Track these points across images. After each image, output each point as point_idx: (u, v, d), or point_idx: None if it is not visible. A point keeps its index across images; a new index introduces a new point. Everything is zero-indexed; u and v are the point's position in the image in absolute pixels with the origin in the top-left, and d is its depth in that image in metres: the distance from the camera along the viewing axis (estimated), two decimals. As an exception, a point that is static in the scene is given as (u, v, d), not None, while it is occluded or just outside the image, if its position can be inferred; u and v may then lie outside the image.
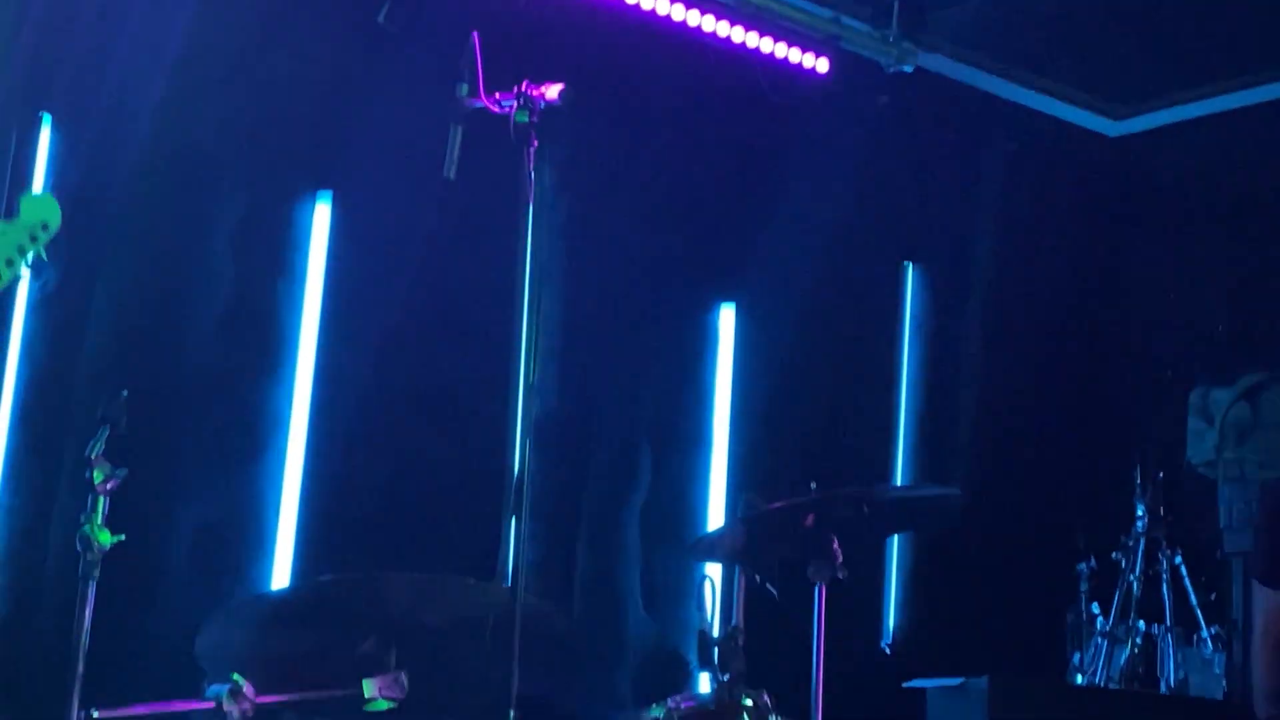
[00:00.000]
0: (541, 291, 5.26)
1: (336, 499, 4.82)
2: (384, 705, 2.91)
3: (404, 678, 2.92)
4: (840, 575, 3.60)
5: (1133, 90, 6.51)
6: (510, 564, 2.67)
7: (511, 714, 2.61)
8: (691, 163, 5.75)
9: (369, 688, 2.90)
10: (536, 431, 5.30)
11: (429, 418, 4.98)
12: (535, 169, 2.95)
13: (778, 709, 3.44)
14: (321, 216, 5.04)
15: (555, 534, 5.16)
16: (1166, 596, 6.05)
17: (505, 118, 3.00)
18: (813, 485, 3.65)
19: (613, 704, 4.80)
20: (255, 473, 4.78)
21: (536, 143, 2.96)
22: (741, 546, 3.90)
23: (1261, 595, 3.95)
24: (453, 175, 3.23)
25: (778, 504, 3.66)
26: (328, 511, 4.81)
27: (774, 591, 3.97)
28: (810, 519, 3.62)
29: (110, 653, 3.02)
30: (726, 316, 5.89)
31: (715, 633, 3.47)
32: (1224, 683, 5.75)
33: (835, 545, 3.58)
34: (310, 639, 2.96)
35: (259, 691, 2.76)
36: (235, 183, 4.84)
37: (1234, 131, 6.41)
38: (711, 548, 4.07)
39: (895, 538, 6.06)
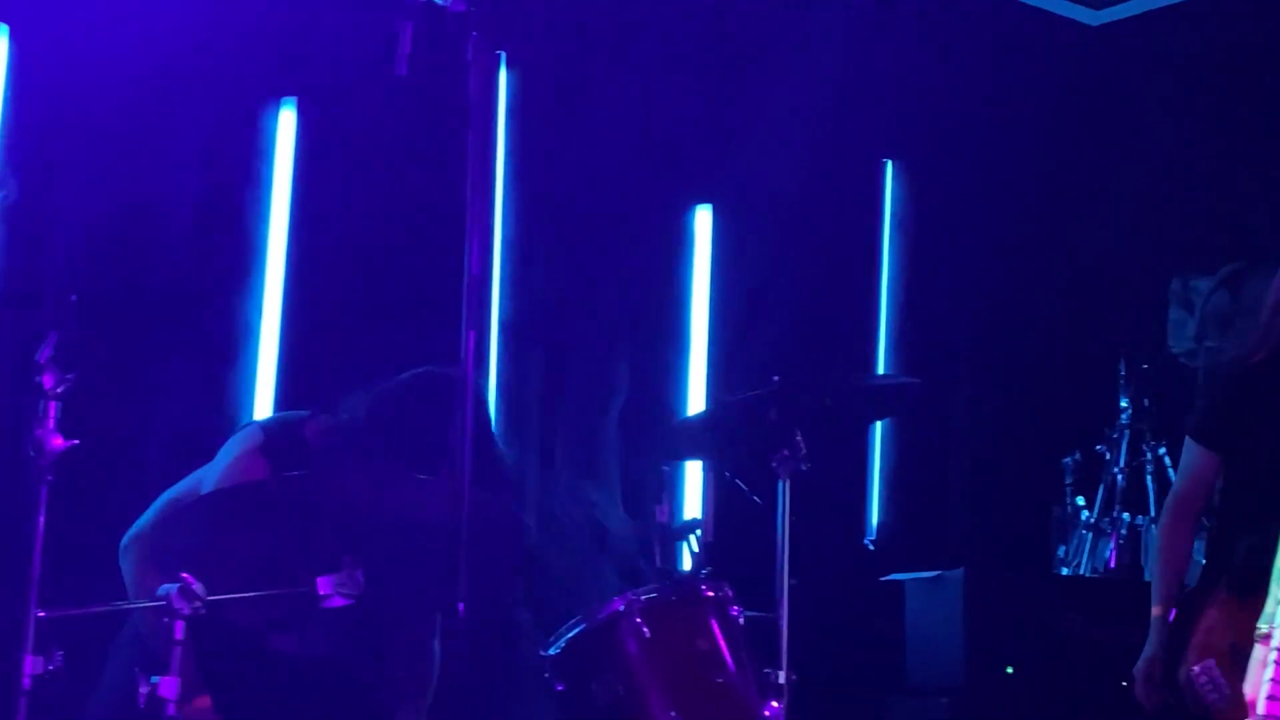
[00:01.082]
0: (519, 188, 5.28)
1: (309, 407, 4.81)
2: (340, 603, 2.91)
3: (359, 574, 2.92)
4: (804, 468, 3.59)
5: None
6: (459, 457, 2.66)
7: (460, 607, 2.61)
8: (667, 63, 5.69)
9: (323, 585, 2.90)
10: (514, 334, 5.34)
11: (400, 323, 4.96)
12: (477, 62, 2.90)
13: (745, 602, 3.44)
14: (286, 123, 5.00)
15: (534, 436, 5.16)
16: (1150, 487, 6.05)
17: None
18: (775, 378, 3.63)
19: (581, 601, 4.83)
20: (227, 380, 4.77)
21: (476, 34, 2.91)
22: (708, 441, 3.89)
23: (1191, 454, 3.94)
24: (403, 71, 3.18)
25: (738, 397, 3.65)
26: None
27: (743, 486, 3.97)
28: (773, 412, 3.61)
29: (67, 556, 3.02)
30: (703, 218, 5.85)
31: (676, 526, 3.47)
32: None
33: (798, 438, 3.57)
34: (262, 537, 2.95)
35: (210, 590, 2.76)
36: (199, 91, 4.80)
37: (1215, 19, 6.32)
38: (679, 443, 4.07)
39: (878, 433, 6.06)
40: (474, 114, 2.90)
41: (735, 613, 3.30)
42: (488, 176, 2.95)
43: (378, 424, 3.41)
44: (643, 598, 3.25)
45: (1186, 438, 3.94)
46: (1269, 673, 2.78)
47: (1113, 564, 5.96)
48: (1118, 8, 6.58)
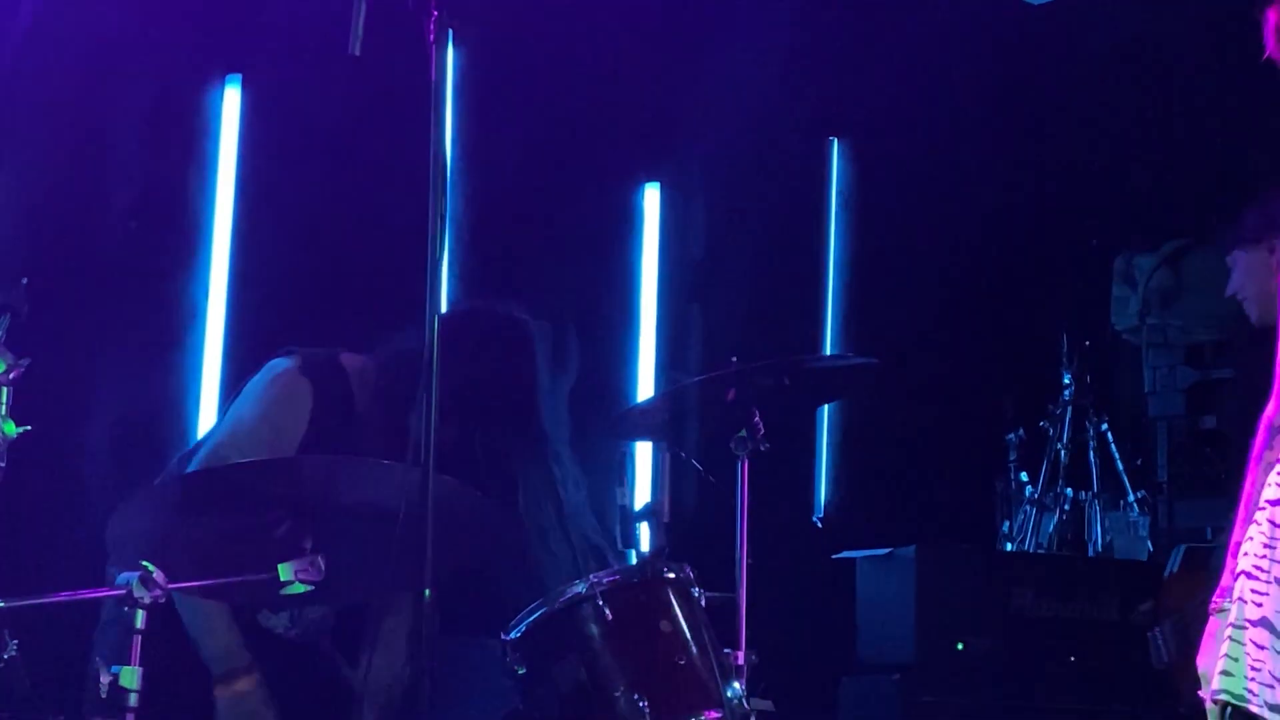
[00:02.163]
0: (466, 170, 5.24)
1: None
2: (301, 588, 2.88)
3: (321, 560, 2.89)
4: (763, 448, 3.60)
5: (1055, -42, 6.46)
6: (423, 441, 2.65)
7: (426, 593, 2.59)
8: (614, 41, 5.67)
9: (285, 571, 2.87)
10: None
11: (347, 304, 4.92)
12: (437, 41, 2.87)
13: (702, 583, 3.44)
14: (232, 101, 4.94)
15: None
16: (1093, 463, 6.12)
17: (405, -11, 2.92)
18: (733, 359, 3.63)
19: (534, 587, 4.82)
20: (173, 363, 4.72)
21: (437, 13, 2.88)
22: (665, 423, 3.89)
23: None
24: (358, 51, 3.15)
25: (698, 378, 3.64)
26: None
27: (699, 467, 3.97)
28: (731, 393, 3.61)
29: (21, 544, 2.98)
30: (651, 196, 5.84)
31: (636, 508, 3.46)
32: (1149, 545, 5.83)
33: (757, 418, 3.57)
34: (222, 523, 2.92)
35: (171, 578, 2.72)
36: (143, 68, 4.74)
37: (1155, 2, 6.37)
38: (635, 424, 4.06)
39: (825, 412, 6.07)
40: (437, 95, 2.86)
41: (697, 594, 3.29)
42: (444, 160, 2.91)
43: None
44: (605, 580, 3.24)
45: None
46: (1224, 648, 2.79)
47: (1055, 540, 6.03)
48: (1061, -14, 6.61)
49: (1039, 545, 6.01)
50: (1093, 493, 6.08)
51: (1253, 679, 2.68)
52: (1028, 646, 4.94)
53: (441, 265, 2.82)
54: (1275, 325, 3.90)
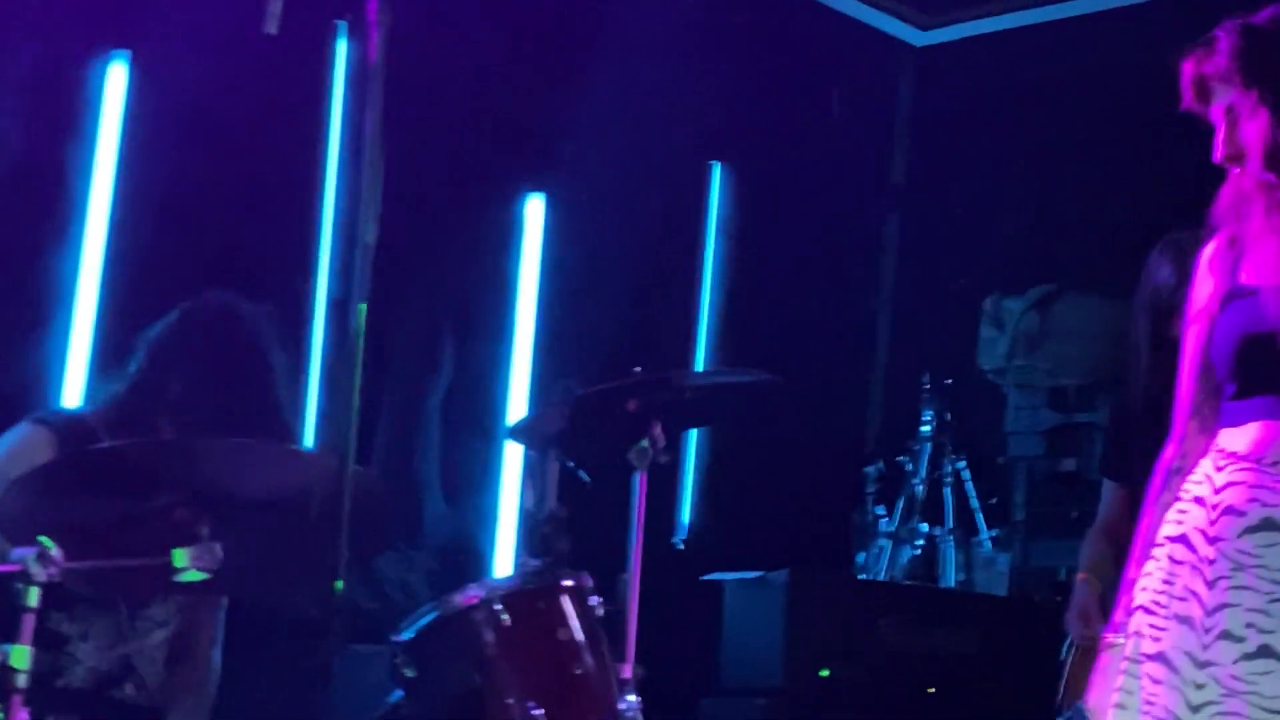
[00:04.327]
0: (349, 170, 5.14)
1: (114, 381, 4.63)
2: (197, 576, 2.79)
3: (218, 548, 2.80)
4: (661, 460, 3.57)
5: (940, 1, 6.57)
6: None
7: (339, 585, 2.52)
8: (503, 51, 5.63)
9: (180, 558, 2.78)
10: (339, 312, 5.20)
11: (221, 287, 4.79)
12: (379, 24, 2.80)
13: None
14: (117, 78, 4.80)
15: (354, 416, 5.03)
16: (949, 500, 6.20)
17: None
18: (637, 369, 3.60)
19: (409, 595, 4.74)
20: (39, 342, 4.56)
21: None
22: (557, 431, 3.84)
23: (1105, 490, 4.15)
24: (274, 30, 3.08)
25: (602, 386, 3.61)
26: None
27: (585, 478, 3.93)
28: (633, 403, 3.57)
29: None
30: (535, 207, 5.80)
31: (535, 515, 3.42)
32: (1007, 581, 5.93)
33: (658, 430, 3.54)
34: (117, 505, 2.81)
35: (68, 558, 2.61)
36: (24, 42, 4.58)
37: (1034, 51, 6.51)
38: (527, 432, 4.00)
39: (693, 434, 6.08)
40: (371, 84, 2.80)
41: (594, 603, 3.26)
42: (364, 147, 2.84)
43: (150, 382, 3.26)
44: (502, 585, 3.19)
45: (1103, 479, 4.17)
46: (1119, 682, 2.82)
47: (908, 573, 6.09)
48: (942, 31, 6.73)
49: (892, 578, 6.07)
50: (947, 529, 6.16)
51: (1146, 713, 2.71)
52: (890, 676, 4.98)
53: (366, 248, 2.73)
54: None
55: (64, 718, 3.15)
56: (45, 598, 2.58)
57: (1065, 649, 4.04)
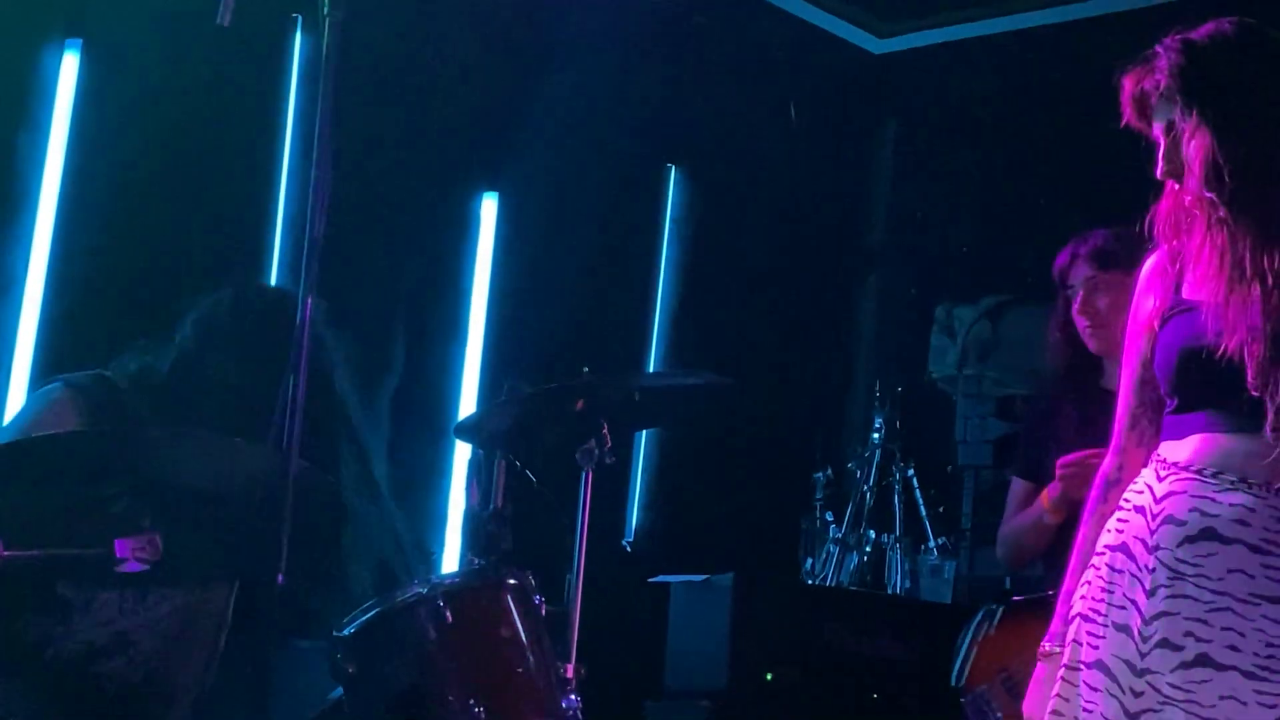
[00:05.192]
0: (301, 166, 5.12)
1: (75, 364, 4.58)
2: (136, 568, 2.77)
3: (159, 540, 2.78)
4: (609, 460, 3.57)
5: (899, 8, 6.60)
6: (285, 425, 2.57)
7: (280, 579, 2.51)
8: (459, 49, 5.62)
9: (120, 549, 2.75)
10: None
11: (175, 282, 4.76)
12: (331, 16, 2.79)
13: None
14: (69, 66, 4.76)
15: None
16: (897, 507, 6.21)
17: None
18: (585, 370, 3.60)
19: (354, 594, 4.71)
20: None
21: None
22: (503, 430, 3.83)
23: (1015, 487, 4.21)
24: (227, 22, 3.06)
25: (549, 386, 3.60)
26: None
27: (532, 477, 3.92)
28: (581, 403, 3.58)
29: None
30: (489, 206, 5.79)
31: (480, 514, 3.41)
32: (953, 589, 5.95)
33: (605, 430, 3.55)
34: (57, 494, 2.79)
35: (6, 545, 2.59)
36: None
37: (991, 61, 6.55)
38: (474, 431, 3.99)
39: (643, 435, 6.08)
40: (324, 79, 2.79)
41: (538, 601, 3.25)
42: (322, 138, 2.83)
43: (196, 360, 3.21)
44: (446, 581, 3.18)
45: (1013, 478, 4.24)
46: (1055, 688, 2.84)
47: (856, 580, 6.11)
48: (900, 39, 6.75)
49: (839, 584, 6.08)
50: (895, 536, 6.18)
51: (1083, 721, 2.73)
52: (835, 680, 4.98)
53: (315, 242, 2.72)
54: (1103, 356, 4.06)
55: (38, 691, 3.10)
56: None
57: (972, 627, 4.03)
